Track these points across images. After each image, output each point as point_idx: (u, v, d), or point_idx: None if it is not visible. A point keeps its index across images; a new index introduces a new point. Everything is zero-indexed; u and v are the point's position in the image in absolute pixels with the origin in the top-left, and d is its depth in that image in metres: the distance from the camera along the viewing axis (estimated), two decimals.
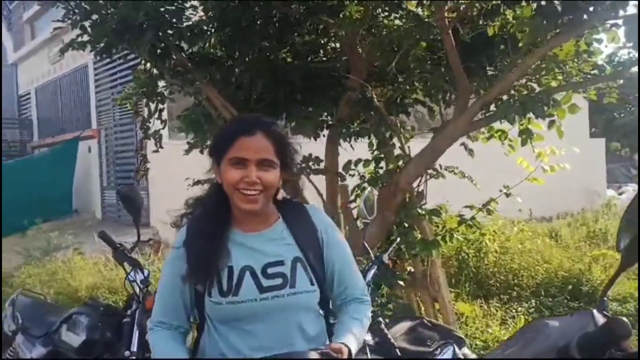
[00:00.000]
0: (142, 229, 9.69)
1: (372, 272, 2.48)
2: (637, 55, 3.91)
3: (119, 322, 2.58)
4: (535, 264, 6.19)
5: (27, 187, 10.40)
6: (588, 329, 1.17)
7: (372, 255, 2.56)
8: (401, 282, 4.06)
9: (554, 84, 3.99)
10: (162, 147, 4.40)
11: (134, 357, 2.40)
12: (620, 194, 15.75)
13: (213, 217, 1.60)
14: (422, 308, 4.13)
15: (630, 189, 16.54)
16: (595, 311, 1.25)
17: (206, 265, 1.54)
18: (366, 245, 2.59)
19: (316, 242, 1.62)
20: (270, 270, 1.57)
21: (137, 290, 2.57)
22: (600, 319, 1.19)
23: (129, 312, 2.57)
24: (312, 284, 1.59)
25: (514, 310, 5.18)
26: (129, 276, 2.58)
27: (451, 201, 4.59)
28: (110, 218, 10.41)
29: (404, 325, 2.28)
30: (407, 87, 4.21)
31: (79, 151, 11.37)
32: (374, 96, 3.62)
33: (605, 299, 1.33)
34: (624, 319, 1.18)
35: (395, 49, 3.62)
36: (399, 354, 1.99)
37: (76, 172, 11.29)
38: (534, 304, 5.39)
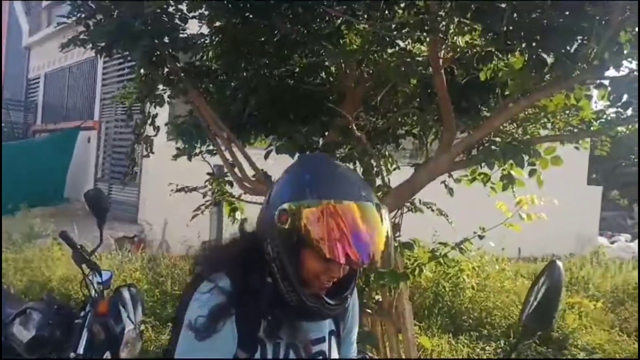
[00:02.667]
0: (130, 225, 9.73)
1: None
2: (625, 114, 3.98)
3: (70, 322, 2.63)
4: (511, 305, 6.23)
5: (22, 171, 10.49)
6: None
7: None
8: (368, 310, 4.11)
9: (542, 133, 4.06)
10: (152, 153, 4.45)
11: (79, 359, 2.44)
12: (612, 242, 15.76)
13: (266, 286, 1.45)
14: (386, 338, 4.15)
15: (623, 239, 16.56)
16: None
17: (256, 341, 1.43)
18: None
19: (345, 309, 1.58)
20: (314, 348, 1.52)
21: (93, 292, 2.62)
22: None
23: (82, 313, 2.62)
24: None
25: (480, 349, 5.21)
26: (86, 279, 2.64)
27: (428, 236, 4.64)
28: None
29: None
30: (399, 120, 4.27)
31: (78, 140, 11.46)
32: (355, 127, 3.66)
33: None
34: None
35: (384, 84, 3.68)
36: None
37: (73, 161, 11.37)
38: (502, 344, 5.42)
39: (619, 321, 6.63)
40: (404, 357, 4.06)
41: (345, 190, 1.40)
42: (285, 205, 1.38)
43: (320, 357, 1.52)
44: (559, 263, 1.46)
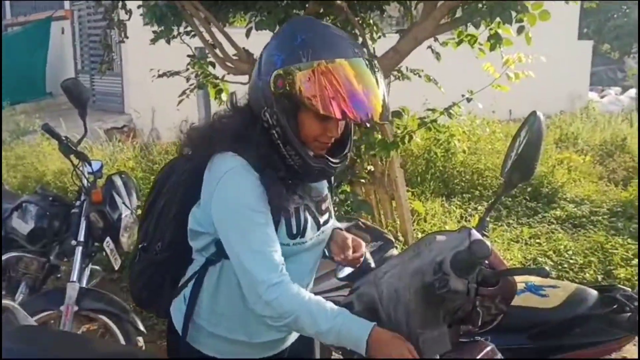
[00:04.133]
0: (117, 115, 9.58)
1: None
2: None
3: (67, 212, 2.67)
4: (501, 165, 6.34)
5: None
6: (464, 246, 1.26)
7: None
8: (361, 180, 4.18)
9: None
10: (127, 38, 4.29)
11: (80, 247, 2.51)
12: (602, 97, 15.78)
13: (275, 154, 1.46)
14: (380, 206, 4.27)
15: (612, 92, 16.55)
16: (473, 230, 1.33)
17: (281, 210, 1.45)
18: None
19: None
20: (323, 206, 1.59)
21: (85, 182, 2.64)
22: (476, 238, 1.28)
23: (77, 203, 2.66)
24: None
25: (472, 209, 5.38)
26: (76, 169, 2.65)
27: (418, 105, 4.61)
28: None
29: (340, 225, 2.37)
30: None
31: (52, 32, 11.02)
32: None
33: (486, 219, 1.42)
34: (486, 241, 1.26)
35: None
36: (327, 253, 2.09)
37: (50, 54, 11.01)
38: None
39: (606, 172, 6.79)
40: (398, 222, 4.21)
41: (337, 48, 1.41)
42: (280, 71, 1.39)
43: (328, 213, 1.60)
44: (540, 114, 1.45)
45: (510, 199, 5.67)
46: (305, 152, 1.43)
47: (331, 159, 1.48)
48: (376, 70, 1.42)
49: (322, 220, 1.57)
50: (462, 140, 6.39)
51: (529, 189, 5.78)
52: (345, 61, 1.38)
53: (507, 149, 1.51)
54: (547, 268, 1.32)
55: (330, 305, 1.38)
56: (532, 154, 1.44)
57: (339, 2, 3.43)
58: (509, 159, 1.48)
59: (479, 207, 5.46)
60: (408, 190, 4.78)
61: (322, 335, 1.36)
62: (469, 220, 5.01)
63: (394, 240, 2.29)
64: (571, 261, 4.21)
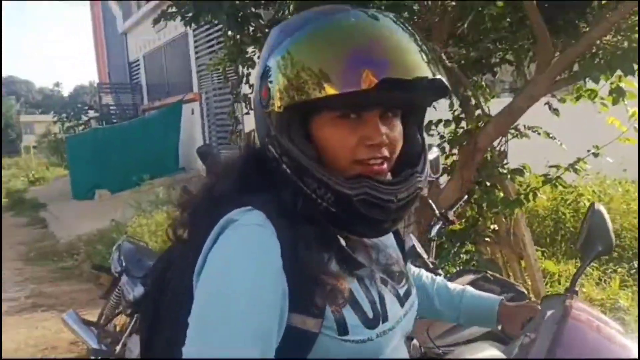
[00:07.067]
0: None
1: (437, 227, 2.55)
2: None
3: None
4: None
5: (139, 147, 11.32)
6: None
7: (436, 212, 2.60)
8: (486, 239, 4.06)
9: None
10: (252, 109, 4.60)
11: None
12: None
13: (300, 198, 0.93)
14: (508, 266, 4.10)
15: None
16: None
17: (333, 292, 0.90)
18: (430, 202, 2.64)
19: None
20: (394, 268, 1.04)
21: None
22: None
23: None
24: None
25: (611, 271, 4.99)
26: None
27: (541, 164, 4.45)
28: None
29: (467, 278, 2.30)
30: (490, 46, 4.08)
31: (183, 113, 12.05)
32: (444, 57, 3.54)
33: (575, 288, 1.38)
34: None
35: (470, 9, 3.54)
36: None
37: (181, 133, 12.02)
38: (635, 265, 5.17)
39: None
40: (529, 282, 3.99)
41: (323, 15, 0.94)
42: (259, 79, 0.97)
43: (405, 280, 1.06)
44: (599, 207, 1.43)
45: None
46: (331, 175, 0.90)
47: (380, 179, 0.92)
48: (393, 21, 0.94)
49: (401, 291, 1.03)
50: (592, 200, 6.03)
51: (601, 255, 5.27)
52: (335, 20, 0.91)
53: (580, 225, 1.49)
54: None
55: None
56: (600, 230, 1.39)
57: (449, 64, 3.47)
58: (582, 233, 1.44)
59: (619, 269, 5.06)
60: (537, 250, 4.57)
61: None
62: (609, 283, 4.66)
63: (526, 292, 2.20)
64: None
